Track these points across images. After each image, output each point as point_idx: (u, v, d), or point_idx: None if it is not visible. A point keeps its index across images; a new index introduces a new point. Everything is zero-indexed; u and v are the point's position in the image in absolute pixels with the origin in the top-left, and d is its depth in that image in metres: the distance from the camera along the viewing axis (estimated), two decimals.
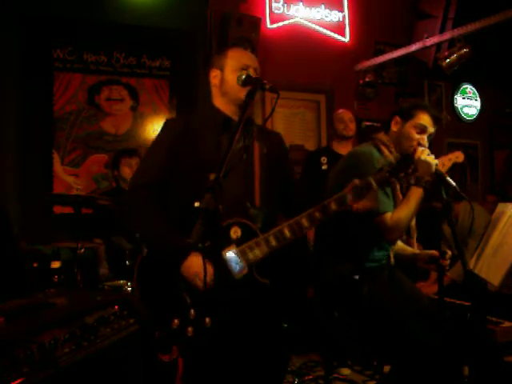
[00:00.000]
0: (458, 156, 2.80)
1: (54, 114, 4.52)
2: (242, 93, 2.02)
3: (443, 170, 2.64)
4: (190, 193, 1.90)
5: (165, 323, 1.83)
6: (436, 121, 2.58)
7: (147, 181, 2.02)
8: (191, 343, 1.83)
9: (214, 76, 2.14)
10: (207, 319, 1.83)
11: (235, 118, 2.06)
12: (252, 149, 2.08)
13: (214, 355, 1.81)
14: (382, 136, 2.62)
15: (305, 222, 1.92)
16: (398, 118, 2.58)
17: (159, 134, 2.13)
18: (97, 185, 4.58)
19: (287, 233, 1.91)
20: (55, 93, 4.53)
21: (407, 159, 1.99)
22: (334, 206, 1.92)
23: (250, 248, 1.89)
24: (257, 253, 1.89)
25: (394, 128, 2.59)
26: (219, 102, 2.13)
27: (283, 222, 1.98)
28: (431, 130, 2.56)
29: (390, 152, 2.52)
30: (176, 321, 1.83)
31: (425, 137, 2.54)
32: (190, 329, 1.83)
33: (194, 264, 1.83)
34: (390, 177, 1.95)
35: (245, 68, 2.06)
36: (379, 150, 2.54)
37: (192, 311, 1.83)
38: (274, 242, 1.90)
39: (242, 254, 1.88)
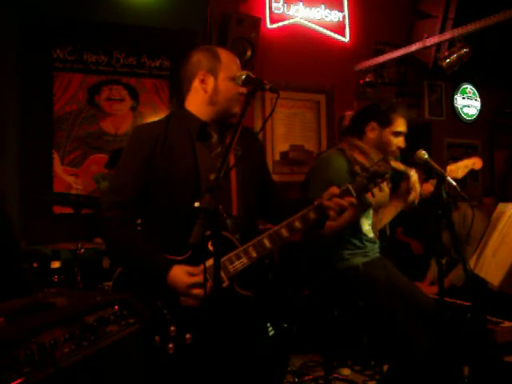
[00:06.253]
0: (476, 162, 2.66)
1: (54, 114, 4.52)
2: (235, 107, 1.95)
3: (459, 176, 2.61)
4: (170, 202, 1.88)
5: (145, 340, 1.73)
6: (410, 122, 2.58)
7: (123, 198, 1.89)
8: (173, 360, 1.77)
9: (204, 81, 1.96)
10: (188, 335, 1.78)
11: (210, 122, 1.97)
12: (227, 153, 1.96)
13: (202, 369, 1.71)
14: (357, 142, 2.55)
15: (284, 232, 1.85)
16: (374, 124, 2.53)
17: (131, 144, 1.98)
18: (97, 185, 4.58)
19: (267, 243, 1.84)
20: (55, 93, 4.53)
21: (383, 164, 1.92)
22: (313, 215, 1.86)
23: (230, 261, 1.82)
24: (237, 265, 1.82)
25: (370, 135, 2.54)
26: (199, 108, 1.98)
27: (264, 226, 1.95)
28: (406, 131, 2.57)
29: (370, 159, 2.43)
30: (157, 338, 1.76)
31: (402, 139, 2.56)
32: (170, 345, 1.77)
33: (184, 276, 1.77)
34: (369, 183, 1.88)
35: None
36: (346, 156, 2.49)
37: (172, 327, 1.78)
38: (254, 254, 1.83)
39: (222, 267, 1.78)
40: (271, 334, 2.20)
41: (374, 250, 2.61)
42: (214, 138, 1.98)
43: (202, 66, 1.97)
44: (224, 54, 2.00)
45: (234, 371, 1.84)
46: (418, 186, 2.45)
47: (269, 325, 2.19)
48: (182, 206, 1.86)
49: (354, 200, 1.85)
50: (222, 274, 1.80)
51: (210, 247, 1.78)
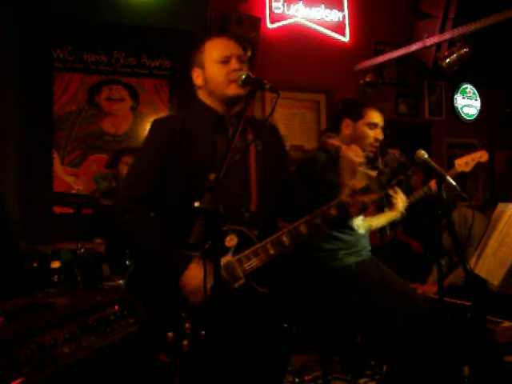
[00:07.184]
0: (482, 155, 2.76)
1: (54, 114, 4.52)
2: (229, 89, 1.90)
3: (467, 169, 2.68)
4: (188, 195, 1.83)
5: (159, 336, 1.74)
6: (382, 113, 2.61)
7: (138, 194, 1.90)
8: (187, 356, 1.75)
9: (197, 76, 1.99)
10: (203, 332, 1.74)
11: (226, 116, 1.96)
12: (247, 148, 1.92)
13: (211, 363, 1.69)
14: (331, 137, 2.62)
15: (303, 229, 1.83)
16: (348, 121, 2.58)
17: (149, 137, 1.99)
18: (97, 185, 4.58)
19: (286, 240, 1.81)
20: (55, 93, 4.53)
21: (404, 162, 1.96)
22: (334, 212, 1.83)
23: (247, 257, 1.80)
24: (254, 262, 1.80)
25: (346, 131, 2.59)
26: (208, 101, 1.99)
27: (283, 224, 1.93)
28: (382, 123, 2.59)
29: None
30: (170, 334, 1.75)
31: (379, 131, 2.58)
32: (185, 342, 1.75)
33: (196, 277, 1.74)
34: (393, 178, 1.91)
35: (226, 60, 1.90)
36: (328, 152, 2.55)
37: (187, 324, 1.76)
38: (272, 251, 1.81)
39: (238, 264, 1.79)
40: (271, 334, 2.20)
41: (366, 248, 2.64)
42: (230, 132, 1.95)
43: (193, 63, 2.01)
44: (208, 42, 2.00)
45: (240, 369, 1.84)
46: (402, 200, 2.63)
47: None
48: (197, 197, 1.85)
49: (375, 197, 1.83)
50: (239, 271, 1.79)
51: (227, 243, 1.79)
